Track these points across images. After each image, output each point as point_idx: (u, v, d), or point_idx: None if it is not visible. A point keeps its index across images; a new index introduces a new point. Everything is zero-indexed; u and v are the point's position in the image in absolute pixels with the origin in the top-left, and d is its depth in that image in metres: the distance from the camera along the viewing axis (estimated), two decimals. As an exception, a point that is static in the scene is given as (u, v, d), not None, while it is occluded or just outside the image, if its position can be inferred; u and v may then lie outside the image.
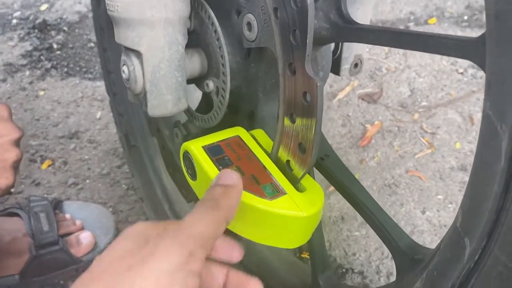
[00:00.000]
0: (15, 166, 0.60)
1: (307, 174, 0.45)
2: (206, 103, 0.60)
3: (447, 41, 0.35)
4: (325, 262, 0.57)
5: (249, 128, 0.56)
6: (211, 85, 0.52)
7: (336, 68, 0.60)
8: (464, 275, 0.33)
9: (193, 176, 0.47)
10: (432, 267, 0.36)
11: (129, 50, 0.48)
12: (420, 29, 1.56)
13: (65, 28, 1.56)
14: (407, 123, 1.23)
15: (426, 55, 1.45)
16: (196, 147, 0.46)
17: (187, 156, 0.48)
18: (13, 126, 0.61)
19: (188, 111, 0.59)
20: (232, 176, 0.39)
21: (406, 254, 0.45)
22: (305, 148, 0.41)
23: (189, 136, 0.64)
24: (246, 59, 0.50)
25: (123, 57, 0.49)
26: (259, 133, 0.51)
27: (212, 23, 0.48)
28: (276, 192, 0.42)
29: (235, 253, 0.40)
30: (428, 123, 1.23)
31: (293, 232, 0.42)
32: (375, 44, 0.41)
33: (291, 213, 0.41)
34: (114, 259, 0.33)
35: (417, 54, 1.46)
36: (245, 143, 0.48)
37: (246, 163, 0.45)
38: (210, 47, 0.51)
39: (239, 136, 0.49)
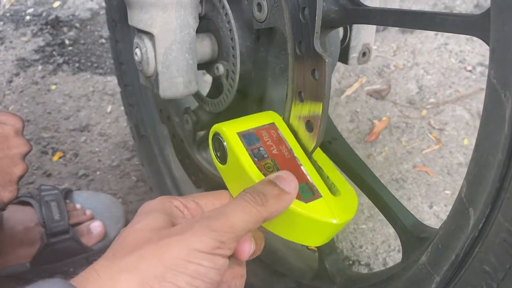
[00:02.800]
0: (19, 180, 0.62)
1: (344, 179, 0.44)
2: (216, 89, 0.61)
3: (453, 18, 0.35)
4: (331, 246, 0.58)
5: (258, 112, 0.57)
6: (221, 68, 0.53)
7: (344, 57, 0.61)
8: (468, 245, 0.33)
9: (223, 160, 0.44)
10: (437, 240, 0.37)
11: (142, 32, 0.49)
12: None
13: (77, 25, 1.58)
14: (415, 119, 1.24)
15: (434, 52, 1.45)
16: (230, 133, 0.42)
17: (217, 139, 0.44)
18: (24, 140, 0.62)
19: (198, 96, 0.60)
20: (292, 185, 0.39)
21: (412, 233, 0.45)
22: (312, 126, 0.42)
23: (199, 122, 0.65)
24: (256, 43, 0.52)
25: (136, 40, 0.50)
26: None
27: (223, 6, 0.50)
28: (311, 194, 0.41)
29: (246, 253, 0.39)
30: (436, 120, 1.23)
31: (322, 234, 0.42)
32: (382, 25, 0.42)
33: (325, 219, 0.40)
34: (145, 233, 0.35)
35: (425, 51, 1.46)
36: (281, 133, 0.44)
37: (281, 158, 0.43)
38: (221, 31, 0.52)
39: (274, 124, 0.45)
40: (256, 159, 0.42)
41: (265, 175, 0.41)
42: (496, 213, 0.31)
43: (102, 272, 0.33)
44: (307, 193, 0.41)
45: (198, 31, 0.52)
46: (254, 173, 0.41)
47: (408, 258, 0.45)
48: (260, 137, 0.43)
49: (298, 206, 0.40)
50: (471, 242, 0.33)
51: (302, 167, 0.43)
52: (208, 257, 0.34)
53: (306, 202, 0.40)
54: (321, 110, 0.41)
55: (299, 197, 0.40)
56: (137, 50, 0.50)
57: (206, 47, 0.53)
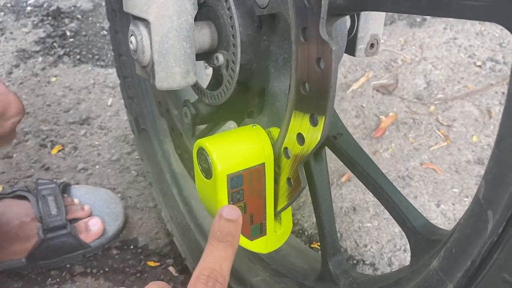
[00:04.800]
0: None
1: (290, 213, 0.53)
2: (216, 81, 0.59)
3: (472, 4, 0.32)
4: (335, 247, 0.55)
5: (260, 105, 0.54)
6: (220, 58, 0.50)
7: (351, 48, 0.58)
8: (486, 251, 0.31)
9: (208, 175, 0.48)
10: (451, 245, 0.34)
11: (137, 19, 0.47)
12: (438, 20, 1.53)
13: (79, 16, 1.56)
14: (423, 115, 1.21)
15: (443, 47, 1.42)
16: (222, 171, 0.46)
17: (202, 153, 0.48)
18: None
19: (197, 88, 0.57)
20: (236, 212, 0.44)
21: (422, 235, 0.42)
22: (317, 120, 0.39)
23: (198, 116, 0.62)
24: (258, 32, 0.49)
25: (131, 27, 0.47)
26: (275, 131, 0.50)
27: (223, -8, 0.47)
28: (259, 233, 0.52)
29: None
30: (444, 116, 1.20)
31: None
32: (393, 12, 0.39)
33: (259, 251, 0.53)
34: None
35: (434, 46, 1.43)
36: (264, 175, 0.48)
37: (253, 201, 0.49)
38: (221, 19, 0.49)
39: (263, 166, 0.48)
40: (232, 202, 0.48)
41: None
42: (518, 217, 0.28)
43: None
44: (257, 232, 0.52)
45: (197, 19, 0.49)
46: None
47: (417, 262, 0.42)
48: (244, 180, 0.48)
49: (243, 242, 0.51)
50: (489, 247, 0.30)
51: (265, 208, 0.50)
52: None
53: (251, 240, 0.52)
54: (326, 103, 0.38)
55: (248, 235, 0.51)
56: (132, 38, 0.48)
57: (205, 35, 0.50)
